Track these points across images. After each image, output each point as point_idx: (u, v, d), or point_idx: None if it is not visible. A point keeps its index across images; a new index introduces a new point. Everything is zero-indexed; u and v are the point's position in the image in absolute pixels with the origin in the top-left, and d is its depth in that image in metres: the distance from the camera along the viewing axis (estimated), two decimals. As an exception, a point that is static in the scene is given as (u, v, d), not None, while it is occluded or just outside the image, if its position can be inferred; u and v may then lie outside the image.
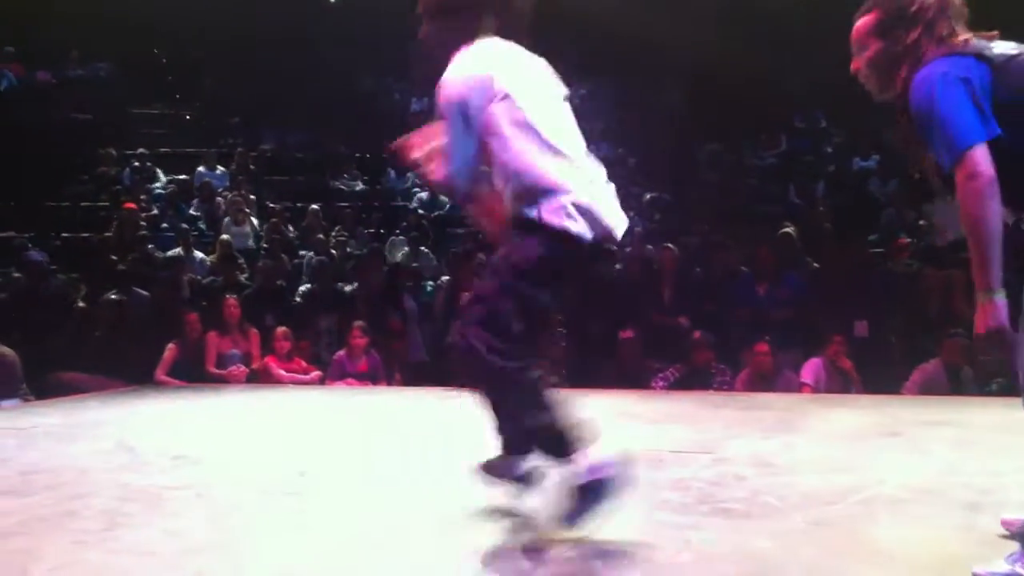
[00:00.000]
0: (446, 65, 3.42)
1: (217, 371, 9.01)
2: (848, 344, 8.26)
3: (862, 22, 2.95)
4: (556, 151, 3.31)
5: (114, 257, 11.40)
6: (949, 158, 2.68)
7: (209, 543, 3.37)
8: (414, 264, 11.88)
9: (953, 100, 2.68)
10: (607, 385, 7.91)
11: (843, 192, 13.74)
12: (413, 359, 9.83)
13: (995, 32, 2.86)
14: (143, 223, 13.10)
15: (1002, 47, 2.82)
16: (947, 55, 2.77)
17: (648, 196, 13.83)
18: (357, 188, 15.75)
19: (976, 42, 2.82)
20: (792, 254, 10.02)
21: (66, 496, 4.11)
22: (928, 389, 7.73)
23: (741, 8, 15.98)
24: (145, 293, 10.20)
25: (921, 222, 11.68)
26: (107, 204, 13.89)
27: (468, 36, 3.42)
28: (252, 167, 15.50)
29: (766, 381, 8.05)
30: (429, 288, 11.15)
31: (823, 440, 5.41)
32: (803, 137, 15.87)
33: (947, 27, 2.83)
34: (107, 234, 12.58)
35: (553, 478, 3.37)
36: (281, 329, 9.18)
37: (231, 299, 9.43)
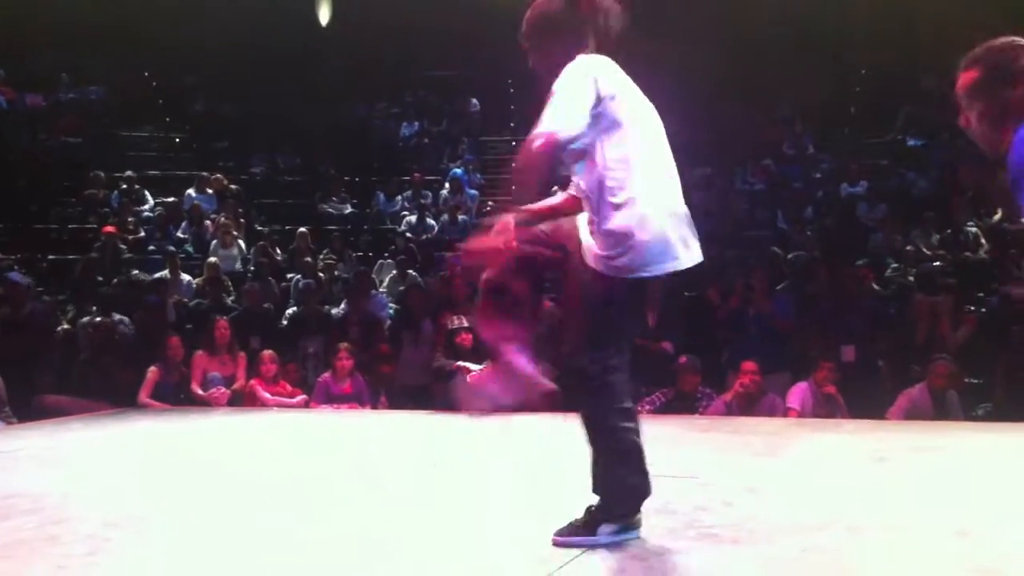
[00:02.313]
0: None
1: (200, 393, 8.97)
2: (835, 369, 8.25)
3: (964, 78, 2.76)
4: (652, 169, 3.43)
5: (100, 279, 11.37)
6: None
7: (194, 569, 3.35)
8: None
9: None
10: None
11: (831, 217, 13.79)
12: (411, 382, 9.76)
13: None
14: (124, 246, 13.09)
15: None
16: None
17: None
18: (346, 211, 15.76)
19: None
20: (780, 278, 10.04)
21: (49, 520, 4.08)
22: (913, 414, 7.74)
23: (731, 34, 16.08)
24: (122, 317, 10.14)
25: (908, 247, 11.73)
26: (95, 226, 13.88)
27: (572, 55, 3.45)
28: (234, 187, 15.50)
29: (752, 401, 8.03)
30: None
31: (810, 465, 5.40)
32: (792, 163, 15.93)
33: None
34: (92, 255, 12.54)
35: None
36: (267, 352, 9.14)
37: (222, 320, 9.41)
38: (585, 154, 3.37)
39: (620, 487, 3.44)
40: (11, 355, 8.85)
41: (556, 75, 3.39)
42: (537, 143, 3.16)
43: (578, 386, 3.40)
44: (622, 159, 3.34)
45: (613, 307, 3.36)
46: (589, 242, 3.38)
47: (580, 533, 3.43)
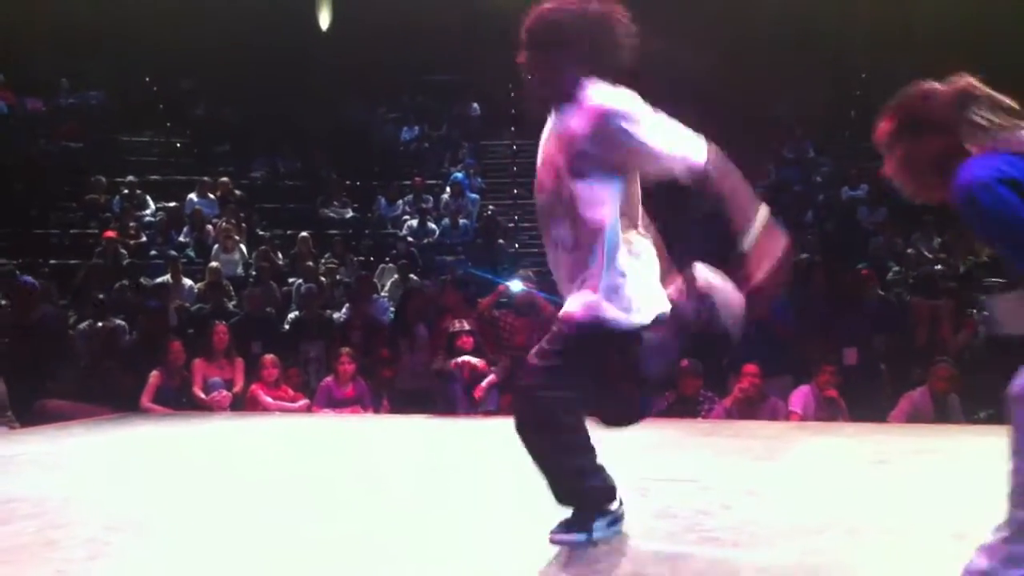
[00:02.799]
0: (550, 101, 3.40)
1: (202, 396, 8.97)
2: (837, 372, 8.25)
3: (880, 128, 2.78)
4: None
5: (101, 285, 11.39)
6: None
7: (195, 573, 3.35)
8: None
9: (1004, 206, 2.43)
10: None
11: (832, 221, 13.80)
12: (409, 386, 9.77)
13: None
14: (125, 251, 13.10)
15: None
16: (988, 154, 2.53)
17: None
18: (347, 216, 15.77)
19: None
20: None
21: (49, 524, 4.08)
22: (915, 417, 7.74)
23: (730, 37, 16.09)
24: (121, 323, 10.15)
25: (909, 251, 11.73)
26: (96, 231, 13.90)
27: (577, 71, 3.33)
28: (238, 192, 15.53)
29: (752, 405, 8.03)
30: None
31: (811, 469, 5.40)
32: (792, 167, 15.95)
33: (982, 123, 2.59)
34: (95, 261, 12.57)
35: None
36: (269, 357, 9.14)
37: (221, 325, 9.40)
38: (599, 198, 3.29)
39: (589, 489, 3.46)
40: (21, 359, 8.85)
41: (553, 89, 3.34)
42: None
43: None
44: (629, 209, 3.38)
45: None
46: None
47: (574, 530, 3.43)
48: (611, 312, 3.26)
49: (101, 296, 10.85)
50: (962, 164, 2.48)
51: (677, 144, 3.23)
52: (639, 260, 3.39)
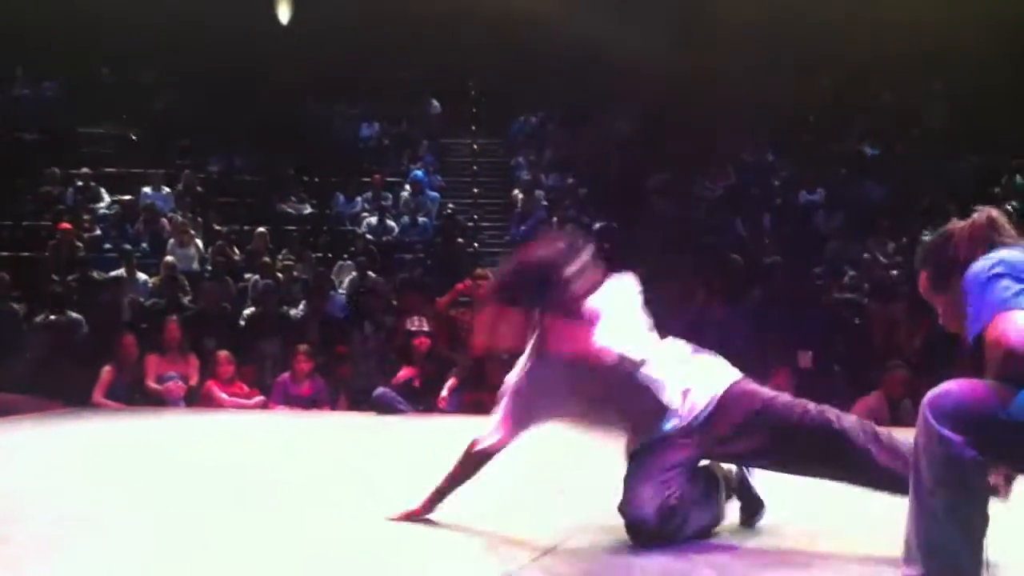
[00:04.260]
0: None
1: (155, 386, 8.89)
2: (792, 375, 8.31)
3: (921, 285, 2.95)
4: None
5: (55, 278, 11.26)
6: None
7: (148, 566, 3.31)
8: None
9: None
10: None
11: (789, 225, 13.90)
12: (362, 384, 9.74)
13: None
14: (79, 244, 12.94)
15: None
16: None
17: (597, 225, 13.90)
18: (305, 212, 15.67)
19: None
20: (737, 285, 10.11)
21: (0, 519, 4.02)
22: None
23: (692, 39, 16.17)
24: (77, 316, 10.03)
25: (865, 255, 11.85)
26: (49, 223, 13.70)
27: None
28: (199, 189, 15.39)
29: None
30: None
31: (763, 472, 5.41)
32: (750, 170, 16.04)
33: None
34: (45, 254, 12.42)
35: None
36: (223, 353, 9.08)
37: (172, 321, 9.32)
38: None
39: None
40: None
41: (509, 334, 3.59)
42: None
43: None
44: None
45: None
46: None
47: None
48: None
49: (58, 289, 10.73)
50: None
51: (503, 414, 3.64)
52: None
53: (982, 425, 2.42)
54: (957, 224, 2.87)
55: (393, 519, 3.76)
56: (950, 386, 2.52)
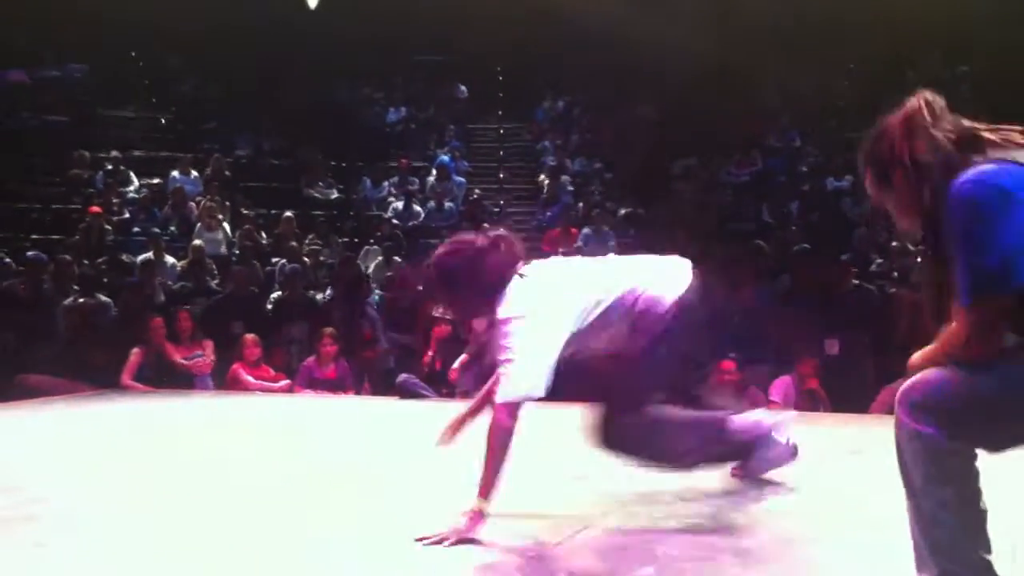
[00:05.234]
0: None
1: (182, 361, 8.98)
2: (819, 364, 8.27)
3: (867, 185, 2.77)
4: None
5: (85, 261, 11.35)
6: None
7: (173, 547, 3.34)
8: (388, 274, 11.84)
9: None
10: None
11: (816, 211, 13.82)
12: (383, 367, 9.81)
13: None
14: (109, 227, 13.03)
15: None
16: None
17: (623, 211, 13.88)
18: (332, 196, 15.71)
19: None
20: (764, 270, 10.07)
21: (28, 499, 4.06)
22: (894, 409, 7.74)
23: (718, 25, 16.09)
24: (106, 299, 10.12)
25: (893, 243, 11.76)
26: (79, 207, 13.81)
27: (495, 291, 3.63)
28: (227, 173, 15.46)
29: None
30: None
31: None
32: (777, 156, 15.95)
33: (940, 139, 2.50)
34: (75, 239, 12.51)
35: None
36: (250, 336, 9.13)
37: (183, 311, 9.40)
38: None
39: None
40: (24, 331, 9.15)
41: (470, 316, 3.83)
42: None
43: None
44: None
45: None
46: None
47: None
48: None
49: (89, 273, 10.83)
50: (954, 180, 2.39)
51: (511, 371, 3.48)
52: None
53: (953, 410, 2.37)
54: (890, 115, 2.63)
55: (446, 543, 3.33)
56: (915, 380, 2.47)
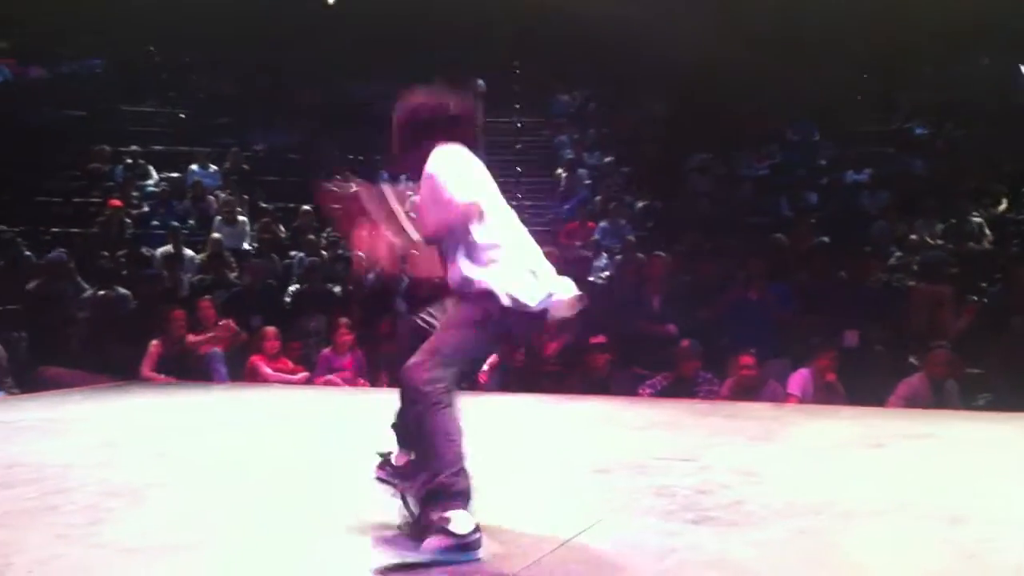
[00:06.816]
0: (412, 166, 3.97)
1: (194, 337, 9.05)
2: (837, 357, 8.25)
3: None
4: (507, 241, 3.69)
5: (105, 254, 11.42)
6: None
7: (192, 540, 3.37)
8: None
9: None
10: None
11: (835, 205, 13.76)
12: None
13: None
14: (128, 220, 13.09)
15: None
16: None
17: (640, 204, 13.85)
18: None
19: None
20: (782, 263, 10.06)
21: (49, 490, 4.11)
22: (912, 402, 7.73)
23: (735, 18, 16.03)
24: (125, 291, 10.17)
25: (911, 236, 11.72)
26: (98, 200, 13.86)
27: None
28: (245, 167, 15.49)
29: (750, 393, 8.02)
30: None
31: (806, 450, 5.42)
32: (795, 149, 15.88)
33: None
34: (94, 231, 12.58)
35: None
36: (270, 328, 9.16)
37: (204, 300, 9.46)
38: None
39: None
40: (43, 326, 9.14)
41: (415, 161, 3.91)
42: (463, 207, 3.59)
43: None
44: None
45: None
46: None
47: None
48: None
49: (109, 266, 10.90)
50: None
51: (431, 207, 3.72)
52: None
53: None
54: None
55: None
56: None
